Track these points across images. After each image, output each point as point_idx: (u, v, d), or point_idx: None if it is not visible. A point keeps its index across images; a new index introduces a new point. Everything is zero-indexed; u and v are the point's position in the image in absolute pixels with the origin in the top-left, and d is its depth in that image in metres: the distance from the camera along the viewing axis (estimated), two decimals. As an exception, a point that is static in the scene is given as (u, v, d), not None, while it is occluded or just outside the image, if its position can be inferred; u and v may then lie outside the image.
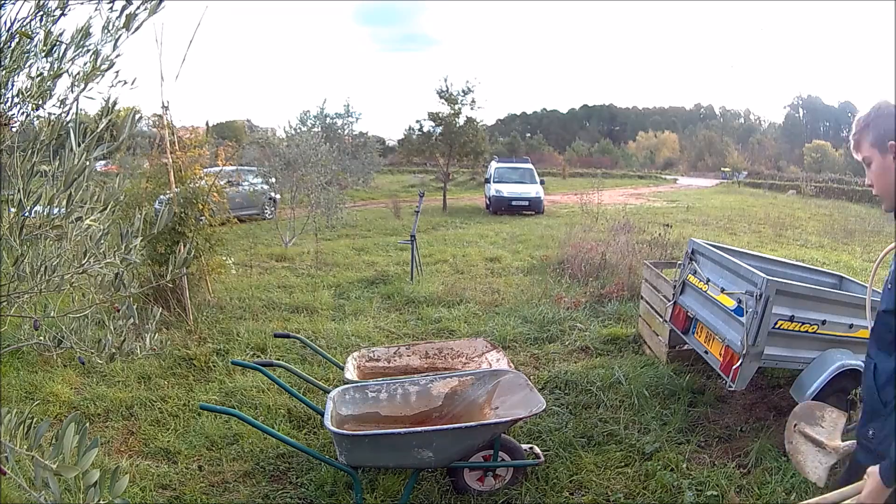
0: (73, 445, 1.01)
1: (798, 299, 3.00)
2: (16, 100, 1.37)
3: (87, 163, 1.29)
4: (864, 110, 1.51)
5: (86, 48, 1.41)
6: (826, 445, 1.94)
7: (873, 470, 1.35)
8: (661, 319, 4.08)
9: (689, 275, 3.62)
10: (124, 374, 3.87)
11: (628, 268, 6.40)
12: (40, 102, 1.39)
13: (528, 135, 64.10)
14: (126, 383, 3.77)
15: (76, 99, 1.40)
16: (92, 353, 1.58)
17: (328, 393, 2.79)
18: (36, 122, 1.40)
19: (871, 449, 1.47)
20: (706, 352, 3.32)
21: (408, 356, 3.47)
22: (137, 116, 1.40)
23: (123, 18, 1.41)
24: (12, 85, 1.37)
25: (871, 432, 1.48)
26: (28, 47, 1.37)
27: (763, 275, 2.94)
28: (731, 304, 3.14)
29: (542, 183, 16.44)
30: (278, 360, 3.85)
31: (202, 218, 5.16)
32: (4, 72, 1.34)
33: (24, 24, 1.37)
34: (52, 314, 1.58)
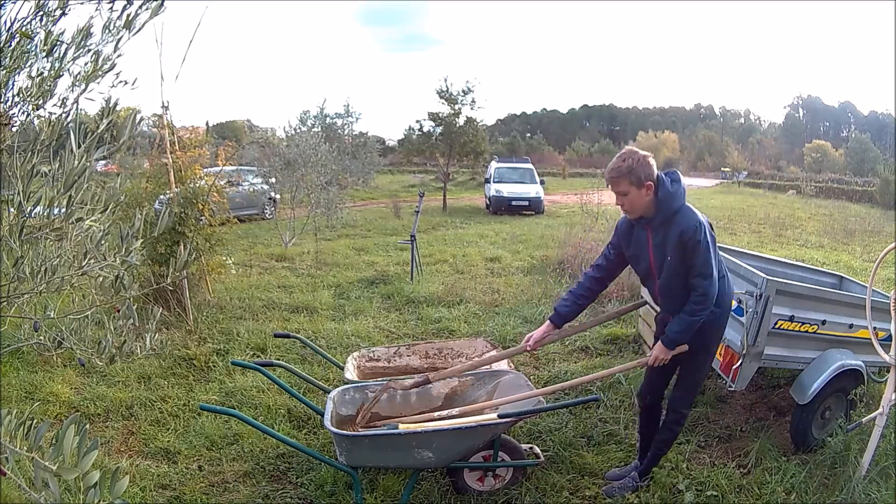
0: (73, 446, 1.01)
1: (798, 299, 3.00)
2: (16, 100, 1.37)
3: (88, 164, 1.29)
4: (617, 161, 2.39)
5: (87, 48, 1.41)
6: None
7: (659, 341, 2.52)
8: (661, 319, 4.08)
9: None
10: (124, 374, 3.87)
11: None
12: (40, 102, 1.38)
13: (528, 135, 64.01)
14: (126, 383, 3.77)
15: (76, 99, 1.40)
16: (92, 354, 1.58)
17: (328, 393, 2.79)
18: (36, 122, 1.40)
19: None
20: (706, 352, 3.31)
21: (408, 356, 3.46)
22: (138, 118, 1.40)
23: (124, 19, 1.41)
24: (12, 85, 1.37)
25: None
26: (28, 47, 1.37)
27: (763, 275, 2.94)
28: (731, 304, 3.14)
29: (542, 183, 16.44)
30: (278, 360, 3.85)
31: (202, 218, 5.16)
32: (4, 72, 1.34)
33: (24, 24, 1.37)
34: (51, 315, 1.57)
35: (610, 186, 2.43)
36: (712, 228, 2.45)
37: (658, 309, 2.77)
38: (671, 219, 2.39)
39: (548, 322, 2.70)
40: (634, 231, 2.56)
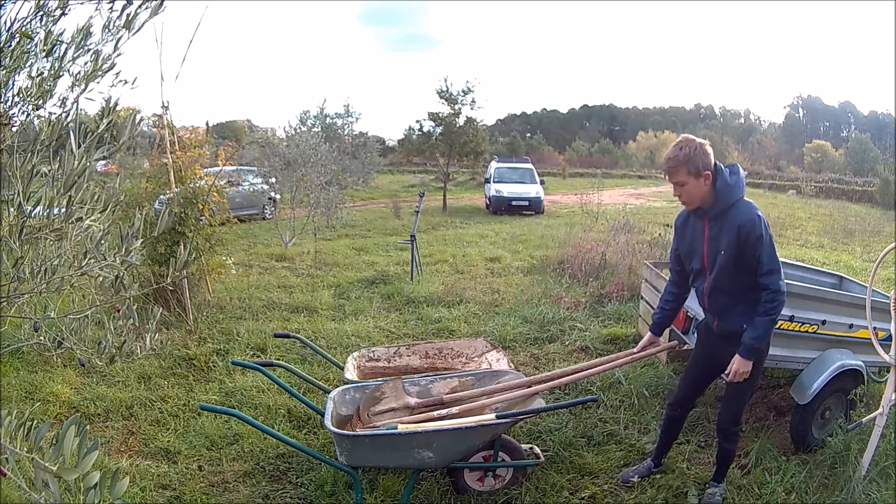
0: (74, 447, 1.01)
1: (798, 299, 3.00)
2: (16, 100, 1.37)
3: (88, 164, 1.29)
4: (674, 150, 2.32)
5: (86, 48, 1.41)
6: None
7: (737, 355, 2.37)
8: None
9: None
10: (124, 374, 3.87)
11: (628, 268, 6.40)
12: (40, 102, 1.38)
13: (528, 135, 63.88)
14: (126, 383, 3.77)
15: (76, 99, 1.40)
16: (92, 354, 1.58)
17: (328, 393, 2.79)
18: (36, 122, 1.39)
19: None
20: (706, 352, 3.31)
21: (408, 356, 3.46)
22: (138, 118, 1.40)
23: (124, 18, 1.41)
24: (12, 85, 1.37)
25: (744, 325, 2.39)
26: (28, 47, 1.37)
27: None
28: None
29: (542, 183, 16.45)
30: (278, 360, 3.85)
31: (202, 218, 5.16)
32: (4, 72, 1.34)
33: (24, 24, 1.37)
34: (52, 315, 1.57)
35: (667, 177, 2.36)
36: (768, 227, 2.34)
37: (701, 314, 2.66)
38: (727, 211, 2.32)
39: (648, 333, 2.80)
40: (690, 222, 2.50)
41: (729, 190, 2.31)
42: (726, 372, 2.41)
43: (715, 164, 2.33)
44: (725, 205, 2.32)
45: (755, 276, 2.33)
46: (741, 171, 2.40)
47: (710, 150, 2.32)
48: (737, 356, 2.37)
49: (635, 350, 2.83)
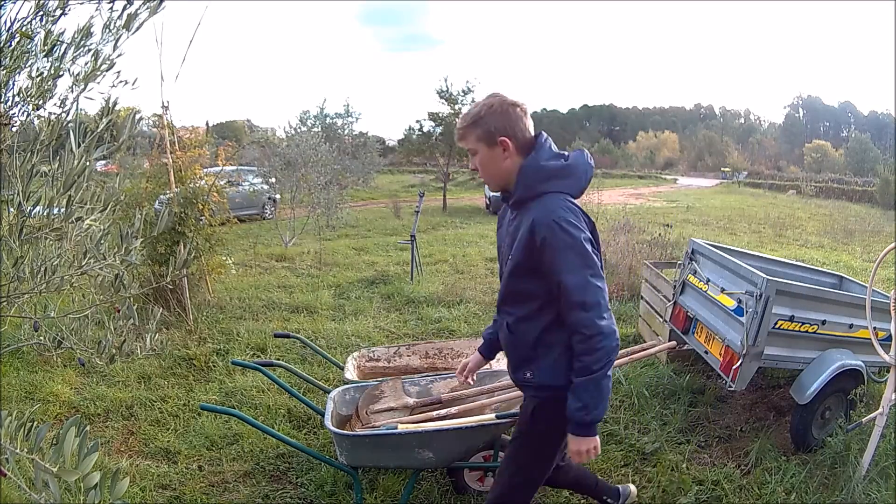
0: (74, 448, 1.01)
1: (798, 299, 3.00)
2: (16, 100, 1.37)
3: (88, 164, 1.29)
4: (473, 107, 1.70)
5: (86, 48, 1.40)
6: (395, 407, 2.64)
7: (569, 433, 1.65)
8: (661, 319, 4.08)
9: (689, 275, 3.62)
10: (124, 374, 3.87)
11: (628, 268, 6.40)
12: (40, 102, 1.38)
13: (528, 135, 63.88)
14: (126, 383, 3.77)
15: (76, 99, 1.40)
16: (92, 354, 1.58)
17: (328, 393, 2.79)
18: (36, 122, 1.40)
19: (531, 386, 1.74)
20: (706, 352, 3.32)
21: (408, 356, 3.46)
22: (138, 117, 1.40)
23: (124, 18, 1.41)
24: (12, 85, 1.37)
25: (528, 374, 1.72)
26: (28, 47, 1.37)
27: (763, 275, 2.94)
28: (731, 304, 3.14)
29: (542, 183, 16.42)
30: (278, 360, 3.85)
31: (202, 218, 5.16)
32: (4, 72, 1.34)
33: (24, 24, 1.37)
34: (52, 315, 1.57)
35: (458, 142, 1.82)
36: (586, 240, 1.60)
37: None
38: (530, 202, 1.66)
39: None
40: (506, 213, 1.87)
41: (540, 173, 1.61)
42: (566, 456, 1.80)
43: (537, 134, 1.66)
44: (530, 191, 1.62)
45: (553, 307, 1.62)
46: (588, 157, 1.71)
47: (521, 112, 1.64)
48: (569, 435, 1.64)
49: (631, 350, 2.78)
